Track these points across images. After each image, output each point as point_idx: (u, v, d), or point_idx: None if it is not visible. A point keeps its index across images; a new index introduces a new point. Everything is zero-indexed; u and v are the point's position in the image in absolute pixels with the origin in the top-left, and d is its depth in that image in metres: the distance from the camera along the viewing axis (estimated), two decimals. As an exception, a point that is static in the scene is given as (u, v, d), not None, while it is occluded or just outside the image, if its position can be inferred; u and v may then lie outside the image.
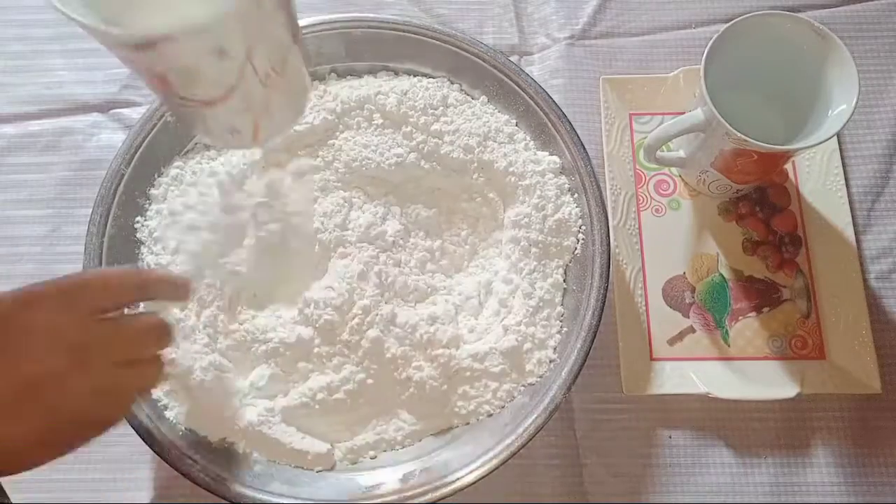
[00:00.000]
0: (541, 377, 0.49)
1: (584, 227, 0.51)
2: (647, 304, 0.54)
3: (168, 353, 0.42)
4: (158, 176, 0.53)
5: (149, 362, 0.39)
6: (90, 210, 0.50)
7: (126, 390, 0.38)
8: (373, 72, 0.57)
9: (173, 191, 0.52)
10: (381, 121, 0.53)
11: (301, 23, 0.54)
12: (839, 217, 0.56)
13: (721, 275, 0.55)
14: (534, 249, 0.51)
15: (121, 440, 0.51)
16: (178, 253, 0.50)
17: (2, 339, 0.33)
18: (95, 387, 0.35)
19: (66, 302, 0.34)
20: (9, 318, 0.33)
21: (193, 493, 0.46)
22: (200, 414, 0.47)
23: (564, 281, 0.51)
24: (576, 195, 0.52)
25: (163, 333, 0.39)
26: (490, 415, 0.48)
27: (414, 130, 0.53)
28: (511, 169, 0.52)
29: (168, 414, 0.47)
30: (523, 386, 0.49)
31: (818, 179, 0.57)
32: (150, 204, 0.53)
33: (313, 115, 0.53)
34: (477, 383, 0.49)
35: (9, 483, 0.50)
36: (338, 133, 0.54)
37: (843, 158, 0.57)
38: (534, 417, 0.46)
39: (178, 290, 0.41)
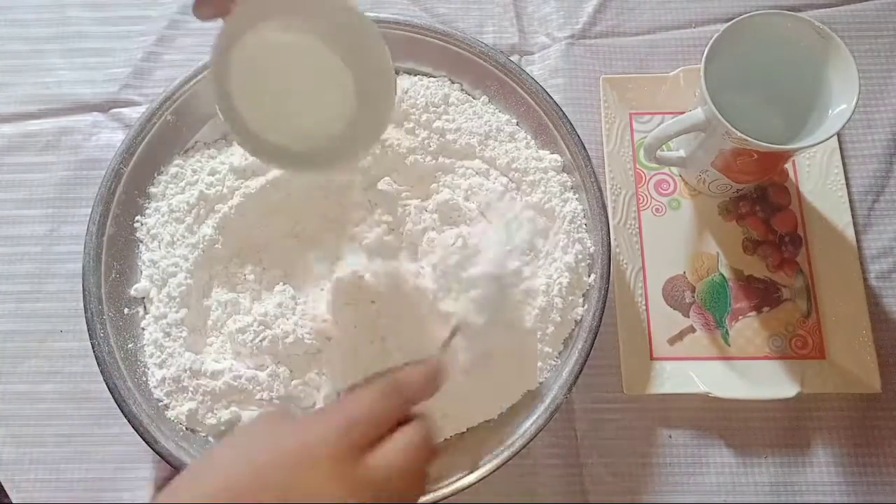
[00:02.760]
0: (542, 379, 0.49)
1: (587, 225, 0.51)
2: (647, 304, 0.54)
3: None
4: (158, 174, 0.53)
5: (423, 473, 0.34)
6: (90, 209, 0.50)
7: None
8: (372, 71, 0.57)
9: (172, 189, 0.52)
10: None
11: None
12: (839, 216, 0.56)
13: (721, 274, 0.55)
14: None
15: (121, 440, 0.51)
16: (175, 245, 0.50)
17: (284, 491, 0.29)
18: None
19: (346, 447, 0.30)
20: (299, 474, 0.29)
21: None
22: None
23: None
24: (577, 194, 0.52)
25: (431, 439, 0.33)
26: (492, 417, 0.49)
27: (416, 127, 0.53)
28: (514, 165, 0.52)
29: (168, 414, 0.47)
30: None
31: (818, 179, 0.57)
32: (149, 202, 0.53)
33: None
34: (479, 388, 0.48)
35: (9, 483, 0.50)
36: None
37: (843, 158, 0.57)
38: (534, 417, 0.46)
39: (435, 376, 0.35)
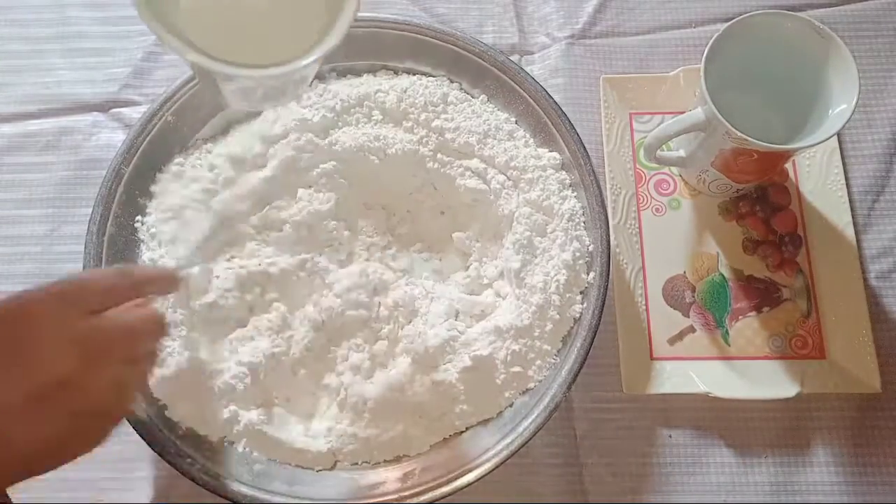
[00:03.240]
0: (541, 378, 0.49)
1: (586, 223, 0.51)
2: (647, 304, 0.54)
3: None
4: (159, 173, 0.53)
5: (149, 355, 0.40)
6: (90, 209, 0.50)
7: (131, 383, 0.38)
8: (372, 71, 0.57)
9: (174, 186, 0.53)
10: (380, 117, 0.54)
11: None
12: (839, 216, 0.56)
13: (721, 274, 0.55)
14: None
15: (120, 440, 0.51)
16: (175, 243, 0.50)
17: (9, 346, 0.33)
18: (106, 383, 0.35)
19: (66, 305, 0.35)
20: (13, 324, 0.33)
21: (193, 493, 0.46)
22: (199, 410, 0.47)
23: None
24: (576, 193, 0.52)
25: (159, 325, 0.40)
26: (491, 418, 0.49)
27: (415, 126, 0.53)
28: (512, 164, 0.52)
29: (168, 414, 0.47)
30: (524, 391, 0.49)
31: (818, 179, 0.57)
32: (150, 200, 0.53)
33: (312, 112, 0.53)
34: (479, 389, 0.49)
35: (9, 482, 0.50)
36: (335, 130, 0.54)
37: (843, 158, 0.57)
38: (534, 417, 0.46)
39: (168, 283, 0.42)
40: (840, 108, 0.47)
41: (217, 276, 0.50)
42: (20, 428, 0.32)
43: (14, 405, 0.32)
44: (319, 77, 0.56)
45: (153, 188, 0.53)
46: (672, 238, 0.56)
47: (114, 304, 0.37)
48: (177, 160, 0.53)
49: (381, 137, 0.53)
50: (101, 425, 0.36)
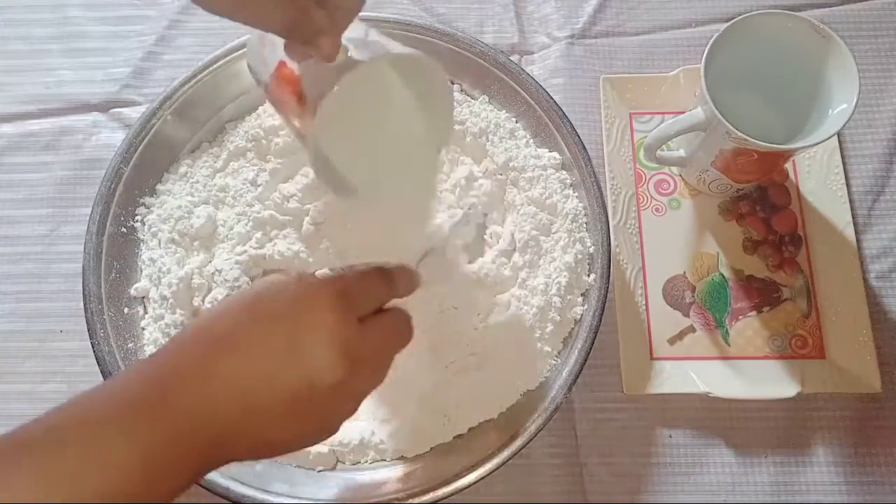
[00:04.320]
0: (542, 379, 0.49)
1: (587, 224, 0.51)
2: (647, 304, 0.54)
3: None
4: (167, 172, 0.53)
5: (392, 357, 0.37)
6: (90, 209, 0.50)
7: (373, 387, 0.36)
8: (372, 71, 0.57)
9: (180, 186, 0.53)
10: None
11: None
12: (839, 216, 0.56)
13: (721, 274, 0.55)
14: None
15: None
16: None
17: (287, 346, 0.31)
18: (363, 394, 0.34)
19: (343, 310, 0.32)
20: (295, 323, 0.31)
21: (193, 493, 0.46)
22: None
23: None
24: (577, 193, 0.52)
25: (410, 332, 0.37)
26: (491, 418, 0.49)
27: None
28: (512, 164, 0.52)
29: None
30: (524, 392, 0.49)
31: (818, 178, 0.57)
32: (155, 198, 0.53)
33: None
34: (480, 389, 0.49)
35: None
36: None
37: (843, 157, 0.57)
38: (534, 417, 0.46)
39: (414, 282, 0.39)
40: (840, 107, 0.47)
41: (219, 271, 0.49)
42: (278, 429, 0.31)
43: (278, 412, 0.31)
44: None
45: (160, 187, 0.53)
46: (672, 238, 0.56)
47: (377, 308, 0.35)
48: (186, 161, 0.54)
49: None
50: (341, 423, 0.35)
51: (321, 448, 0.47)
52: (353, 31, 0.36)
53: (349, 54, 0.35)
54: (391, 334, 0.36)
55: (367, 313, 0.34)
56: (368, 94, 0.39)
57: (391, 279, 0.36)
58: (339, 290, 0.33)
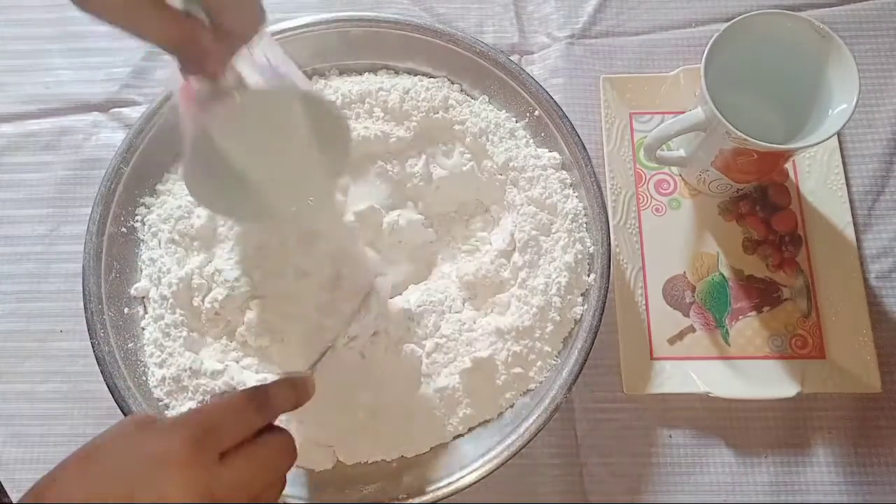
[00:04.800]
0: (542, 379, 0.49)
1: (587, 224, 0.51)
2: (647, 304, 0.54)
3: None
4: (168, 172, 0.53)
5: (278, 481, 0.36)
6: (90, 209, 0.50)
7: None
8: (373, 70, 0.57)
9: (181, 186, 0.53)
10: (381, 114, 0.54)
11: (300, 21, 0.54)
12: (839, 216, 0.56)
13: (721, 274, 0.55)
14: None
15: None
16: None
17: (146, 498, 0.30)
18: None
19: (198, 453, 0.31)
20: (149, 479, 0.30)
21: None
22: None
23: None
24: (577, 193, 0.52)
25: (291, 451, 0.35)
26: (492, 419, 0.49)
27: (417, 125, 0.53)
28: (512, 164, 0.52)
29: (168, 414, 0.47)
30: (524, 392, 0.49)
31: (818, 178, 0.57)
32: (155, 198, 0.53)
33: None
34: (480, 391, 0.49)
35: (9, 483, 0.50)
36: None
37: (843, 157, 0.57)
38: (534, 417, 0.46)
39: (302, 393, 0.38)
40: (840, 107, 0.47)
41: (219, 271, 0.49)
42: None
43: None
44: (320, 74, 0.56)
45: (160, 187, 0.53)
46: (672, 238, 0.56)
47: (245, 437, 0.34)
48: None
49: (383, 133, 0.53)
50: None
51: (320, 448, 0.47)
52: (265, 56, 0.37)
53: (243, 79, 0.35)
54: (265, 461, 0.34)
55: (233, 444, 0.33)
56: (261, 119, 0.39)
57: (264, 402, 0.35)
58: (191, 436, 0.31)
